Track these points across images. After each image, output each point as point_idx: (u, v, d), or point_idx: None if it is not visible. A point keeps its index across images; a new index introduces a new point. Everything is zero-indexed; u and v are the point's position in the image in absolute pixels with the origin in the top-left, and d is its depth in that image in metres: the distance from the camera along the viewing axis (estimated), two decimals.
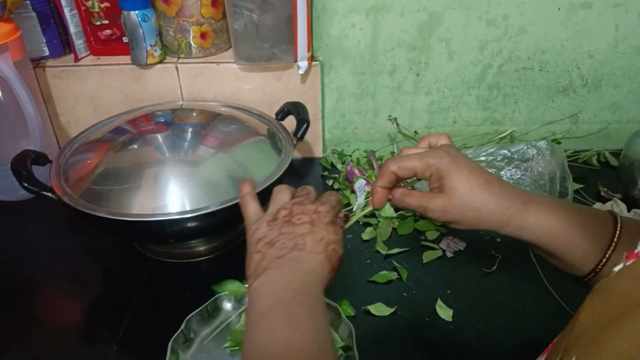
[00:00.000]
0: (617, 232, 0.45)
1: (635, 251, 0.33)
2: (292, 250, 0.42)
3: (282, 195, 0.48)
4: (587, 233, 0.45)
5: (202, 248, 0.75)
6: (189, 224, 0.64)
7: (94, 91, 0.89)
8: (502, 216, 0.46)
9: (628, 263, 0.33)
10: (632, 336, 0.28)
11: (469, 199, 0.46)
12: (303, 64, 0.84)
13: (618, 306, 0.31)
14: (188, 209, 0.64)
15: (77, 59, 0.89)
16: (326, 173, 0.91)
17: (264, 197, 0.70)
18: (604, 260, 0.45)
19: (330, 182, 0.88)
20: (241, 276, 0.68)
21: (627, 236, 0.45)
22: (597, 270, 0.45)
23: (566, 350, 0.34)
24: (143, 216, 0.63)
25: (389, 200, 0.51)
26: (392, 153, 0.93)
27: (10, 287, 0.70)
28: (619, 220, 0.46)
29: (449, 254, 0.71)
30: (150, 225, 0.63)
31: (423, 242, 0.73)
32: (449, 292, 0.65)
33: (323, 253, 0.43)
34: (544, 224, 0.46)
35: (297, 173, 0.93)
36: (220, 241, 0.75)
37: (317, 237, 0.43)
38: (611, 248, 0.45)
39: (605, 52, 0.86)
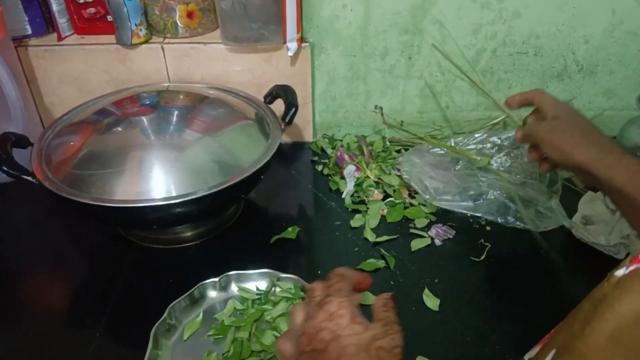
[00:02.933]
0: None
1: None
2: None
3: (294, 317, 0.40)
4: None
5: (188, 234, 0.73)
6: (174, 210, 0.62)
7: (78, 71, 0.87)
8: (600, 149, 0.51)
9: (629, 269, 0.32)
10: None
11: (575, 125, 0.55)
12: (292, 45, 0.82)
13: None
14: (173, 194, 0.62)
15: (60, 38, 0.86)
16: (316, 158, 0.90)
17: (251, 183, 0.70)
18: None
19: (319, 168, 0.87)
20: (227, 262, 0.68)
21: None
22: None
23: (547, 344, 0.35)
24: (126, 202, 0.61)
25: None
26: (383, 139, 0.91)
27: None
28: None
29: (438, 242, 0.70)
30: (134, 212, 0.62)
31: (412, 230, 0.73)
32: (436, 280, 0.65)
33: None
34: (634, 172, 0.48)
35: (287, 158, 0.92)
36: (206, 227, 0.74)
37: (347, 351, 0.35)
38: None
39: (600, 37, 0.85)
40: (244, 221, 0.76)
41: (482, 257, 0.68)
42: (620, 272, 0.33)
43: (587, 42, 0.85)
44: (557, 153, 0.55)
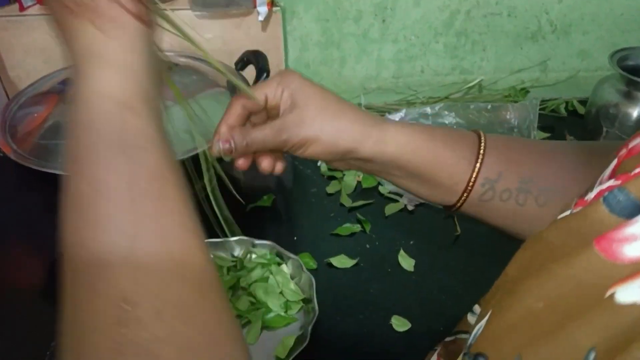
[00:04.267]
0: (482, 145, 0.43)
1: (585, 198, 0.29)
2: None
3: None
4: (450, 146, 0.43)
5: None
6: None
7: (44, 42, 0.84)
8: (363, 126, 0.42)
9: (574, 211, 0.28)
10: (547, 295, 0.24)
11: (327, 106, 0.42)
12: (263, 9, 0.80)
13: (543, 260, 0.26)
14: None
15: (22, 9, 0.83)
16: None
17: None
18: (474, 175, 0.42)
19: None
20: (204, 231, 0.67)
21: (495, 152, 0.43)
22: (470, 188, 0.43)
23: (485, 301, 0.31)
24: None
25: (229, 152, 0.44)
26: (359, 105, 0.90)
27: None
28: (482, 135, 0.44)
29: (410, 207, 0.70)
30: None
31: (386, 195, 0.73)
32: (411, 242, 0.65)
33: None
34: (405, 135, 0.43)
35: None
36: None
37: None
38: (479, 161, 0.42)
39: None
40: (219, 191, 0.75)
41: (455, 218, 0.69)
42: (563, 215, 0.29)
43: (561, 2, 0.85)
44: (322, 147, 0.42)
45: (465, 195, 0.43)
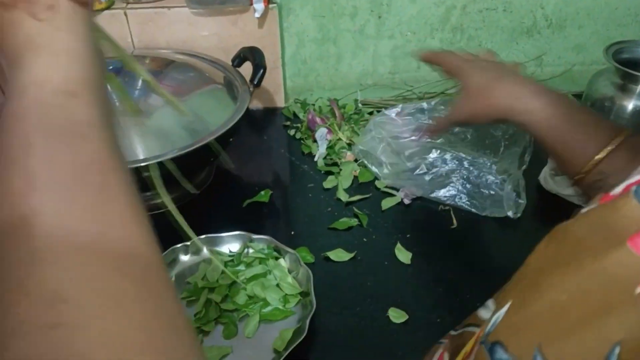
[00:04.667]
0: (618, 138, 0.47)
1: (611, 194, 0.29)
2: None
3: None
4: (584, 132, 0.48)
5: (158, 200, 0.72)
6: (141, 175, 0.61)
7: None
8: (514, 99, 0.52)
9: (601, 204, 0.28)
10: (572, 288, 0.25)
11: (482, 88, 0.54)
12: (259, 6, 0.80)
13: (569, 253, 0.27)
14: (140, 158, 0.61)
15: None
16: (288, 123, 0.89)
17: (220, 145, 0.68)
18: (591, 164, 0.47)
19: (292, 132, 0.86)
20: (200, 227, 0.67)
21: (630, 150, 0.46)
22: (583, 174, 0.48)
23: (505, 292, 0.31)
24: None
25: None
26: (356, 101, 0.91)
27: None
28: (625, 131, 0.47)
29: (407, 201, 0.70)
30: None
31: (382, 189, 0.73)
32: (408, 236, 0.65)
33: None
34: (547, 110, 0.50)
35: (258, 123, 0.91)
36: (177, 193, 0.73)
37: None
38: (604, 151, 0.47)
39: None
40: (216, 187, 0.75)
41: (450, 211, 0.69)
42: (587, 209, 0.29)
43: None
44: (484, 112, 0.55)
45: (580, 176, 0.49)
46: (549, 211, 0.70)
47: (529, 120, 0.51)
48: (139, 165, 0.59)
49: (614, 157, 0.46)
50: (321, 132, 0.81)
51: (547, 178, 0.69)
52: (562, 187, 0.67)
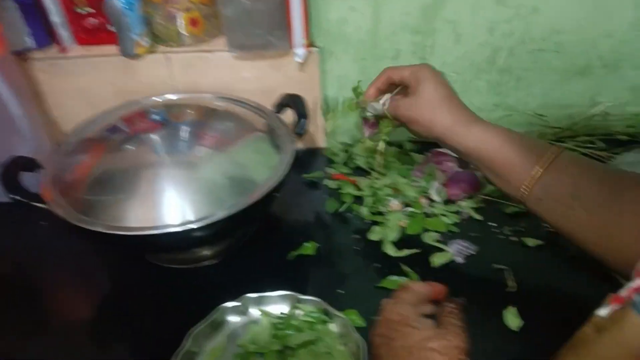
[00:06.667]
0: (552, 155, 0.52)
1: (621, 295, 0.30)
2: None
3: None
4: (522, 152, 0.54)
5: (203, 253, 0.72)
6: (192, 235, 0.60)
7: (83, 84, 0.85)
8: (454, 122, 0.58)
9: (610, 310, 0.30)
10: None
11: (433, 99, 0.59)
12: (300, 51, 0.79)
13: None
14: (188, 217, 0.60)
15: (63, 50, 0.84)
16: (331, 165, 0.87)
17: (267, 201, 0.67)
18: (531, 181, 0.53)
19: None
20: (245, 281, 0.66)
21: (562, 171, 0.52)
22: (526, 190, 0.54)
23: None
24: (141, 229, 0.59)
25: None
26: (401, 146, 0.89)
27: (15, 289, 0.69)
28: (559, 148, 0.53)
29: (460, 260, 0.68)
30: (149, 239, 0.60)
31: (432, 243, 0.70)
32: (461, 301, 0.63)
33: None
34: (486, 136, 0.56)
35: (301, 165, 0.89)
36: (225, 244, 0.72)
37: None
38: (541, 170, 0.52)
39: (624, 31, 0.80)
40: (261, 236, 0.74)
41: (512, 273, 0.66)
42: (602, 311, 0.32)
43: (611, 37, 0.81)
44: (420, 128, 0.60)
45: (523, 192, 0.54)
46: None
47: (467, 146, 0.57)
48: (187, 227, 0.59)
49: (550, 173, 0.52)
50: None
51: None
52: None
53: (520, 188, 0.54)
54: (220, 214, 0.59)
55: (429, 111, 0.59)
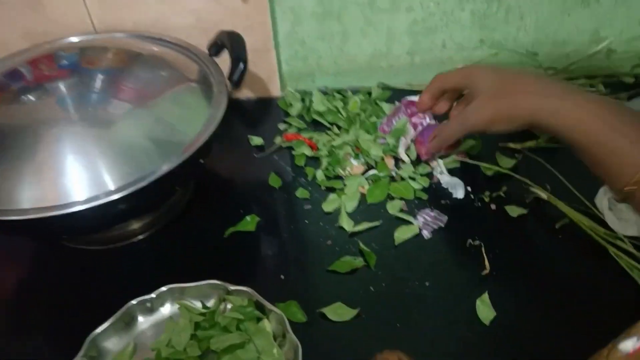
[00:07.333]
0: None
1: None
2: None
3: None
4: (629, 136, 0.41)
5: (130, 228, 0.60)
6: (101, 213, 0.49)
7: None
8: (538, 98, 0.46)
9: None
10: None
11: (498, 87, 0.49)
12: None
13: None
14: (99, 189, 0.48)
15: None
16: (285, 120, 0.74)
17: (190, 165, 0.55)
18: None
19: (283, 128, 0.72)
20: (173, 264, 0.56)
21: None
22: (636, 182, 0.41)
23: None
24: (37, 211, 0.47)
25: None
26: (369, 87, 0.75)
27: None
28: None
29: (427, 235, 0.56)
30: (53, 221, 0.48)
31: (396, 214, 0.59)
32: (427, 284, 0.52)
33: None
34: (581, 112, 0.44)
35: (250, 118, 0.76)
36: (148, 220, 0.61)
37: None
38: None
39: None
40: (195, 207, 0.63)
41: (483, 248, 0.55)
42: (626, 345, 0.30)
43: None
44: (504, 121, 0.49)
45: (630, 188, 0.42)
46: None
47: (562, 124, 0.45)
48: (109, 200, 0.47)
49: None
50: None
51: (603, 207, 0.53)
52: (623, 225, 0.52)
53: (628, 184, 0.42)
54: (141, 181, 0.48)
55: (503, 100, 0.48)
